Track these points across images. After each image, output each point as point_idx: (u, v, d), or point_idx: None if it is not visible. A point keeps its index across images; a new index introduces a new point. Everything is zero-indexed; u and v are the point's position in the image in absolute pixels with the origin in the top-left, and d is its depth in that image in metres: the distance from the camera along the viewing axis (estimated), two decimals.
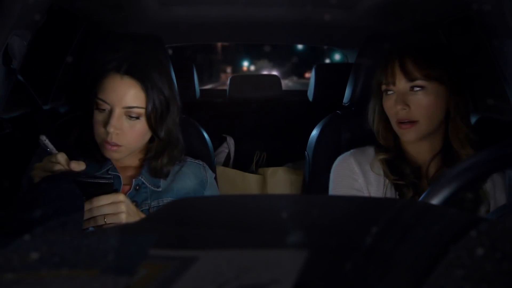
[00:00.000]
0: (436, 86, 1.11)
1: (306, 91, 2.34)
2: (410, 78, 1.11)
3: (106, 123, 1.01)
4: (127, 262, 0.35)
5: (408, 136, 1.12)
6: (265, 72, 6.86)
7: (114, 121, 1.01)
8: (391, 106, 1.13)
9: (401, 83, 1.12)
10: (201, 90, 1.97)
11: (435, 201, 0.60)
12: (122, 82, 1.03)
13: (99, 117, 1.03)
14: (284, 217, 0.40)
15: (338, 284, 0.31)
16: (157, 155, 1.12)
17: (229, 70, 8.29)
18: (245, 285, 0.31)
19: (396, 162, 1.17)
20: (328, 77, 2.19)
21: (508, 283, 0.31)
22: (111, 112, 1.02)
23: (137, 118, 1.04)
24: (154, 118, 1.06)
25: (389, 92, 1.14)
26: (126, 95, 1.02)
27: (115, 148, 1.03)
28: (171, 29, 2.21)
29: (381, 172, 1.18)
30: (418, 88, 1.11)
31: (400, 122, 1.12)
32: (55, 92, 1.82)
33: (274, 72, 7.48)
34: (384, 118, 1.19)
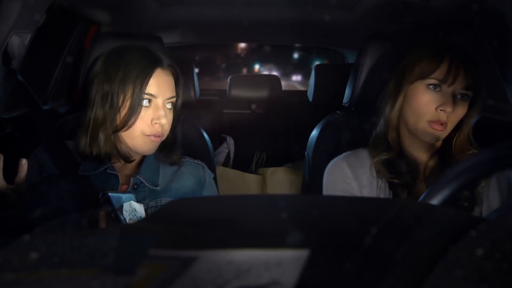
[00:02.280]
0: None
1: (305, 91, 2.34)
2: (468, 85, 1.07)
3: (153, 117, 1.07)
4: (127, 262, 0.35)
5: (431, 137, 1.10)
6: (272, 72, 7.52)
7: (165, 112, 1.08)
8: (431, 102, 1.08)
9: (457, 86, 1.07)
10: (201, 90, 1.97)
11: (434, 201, 0.60)
12: (165, 75, 1.10)
13: (144, 112, 1.07)
14: (283, 217, 0.40)
15: (338, 284, 0.31)
16: (172, 148, 1.18)
17: (245, 71, 9.54)
18: (245, 285, 0.31)
19: (396, 160, 1.16)
20: (327, 77, 2.19)
21: (507, 283, 0.31)
22: (157, 105, 1.07)
23: (171, 108, 1.11)
24: (179, 106, 1.15)
25: (432, 88, 1.08)
26: (169, 87, 1.10)
27: (159, 139, 1.09)
28: (171, 29, 2.22)
29: (374, 174, 1.17)
30: (461, 96, 1.08)
31: (433, 122, 1.08)
32: (55, 92, 1.82)
33: (278, 72, 8.00)
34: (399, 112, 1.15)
